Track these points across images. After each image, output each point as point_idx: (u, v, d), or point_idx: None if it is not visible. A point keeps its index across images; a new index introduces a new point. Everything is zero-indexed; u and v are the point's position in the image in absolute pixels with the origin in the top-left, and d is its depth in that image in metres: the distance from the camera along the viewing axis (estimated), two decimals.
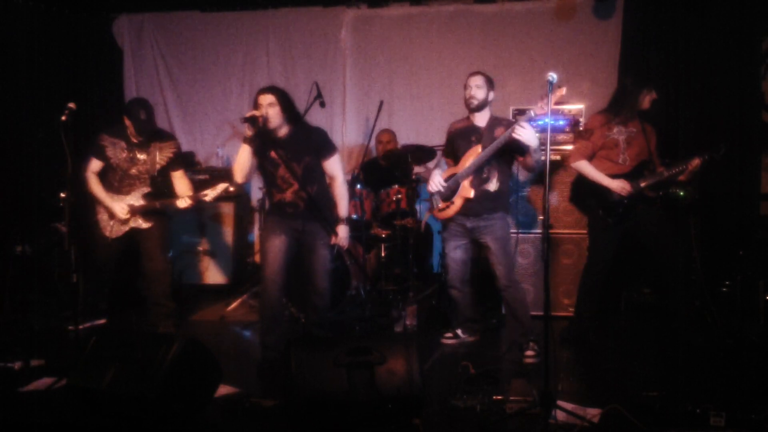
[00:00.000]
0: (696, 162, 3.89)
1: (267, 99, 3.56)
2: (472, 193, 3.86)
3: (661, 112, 4.90)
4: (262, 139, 3.58)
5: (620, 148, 4.00)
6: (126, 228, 4.30)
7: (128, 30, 6.32)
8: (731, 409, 2.78)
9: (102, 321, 4.67)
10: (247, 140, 3.54)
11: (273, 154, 3.62)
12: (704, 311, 4.38)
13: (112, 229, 4.31)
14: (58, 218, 4.79)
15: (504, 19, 5.84)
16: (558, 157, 4.72)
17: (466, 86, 3.92)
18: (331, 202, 3.81)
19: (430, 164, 5.28)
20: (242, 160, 3.59)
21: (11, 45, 5.45)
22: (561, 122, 4.78)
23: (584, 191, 4.17)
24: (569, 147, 4.69)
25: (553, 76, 2.97)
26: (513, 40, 5.82)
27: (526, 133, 3.57)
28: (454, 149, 4.05)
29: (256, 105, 3.58)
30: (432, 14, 5.96)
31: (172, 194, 4.32)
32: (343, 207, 3.79)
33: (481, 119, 3.94)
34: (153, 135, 4.30)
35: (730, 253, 4.72)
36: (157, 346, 2.83)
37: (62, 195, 3.63)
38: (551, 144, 3.10)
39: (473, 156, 3.86)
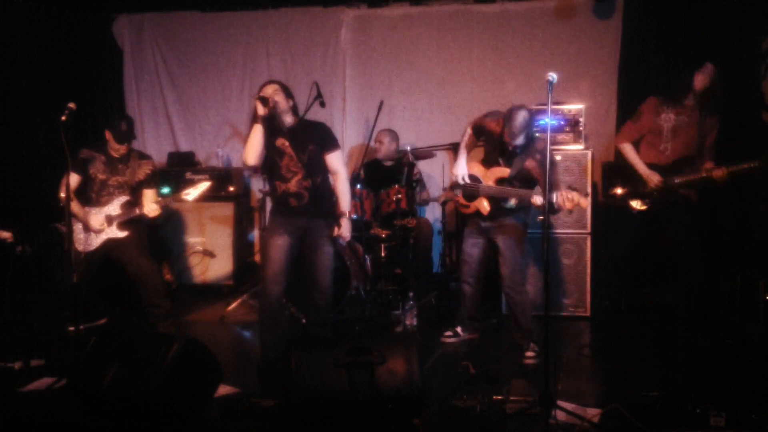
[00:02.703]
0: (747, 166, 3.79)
1: (272, 87, 3.66)
2: (487, 211, 3.93)
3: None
4: (269, 125, 3.62)
5: (663, 136, 3.96)
6: (101, 240, 4.27)
7: (128, 30, 6.32)
8: (731, 409, 2.78)
9: (102, 321, 4.68)
10: (259, 119, 3.58)
11: (278, 142, 3.66)
12: (704, 311, 4.37)
13: (85, 243, 4.28)
14: (58, 218, 4.79)
15: (504, 19, 5.84)
16: (559, 157, 4.72)
17: (507, 130, 3.74)
18: (333, 197, 3.82)
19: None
20: (255, 140, 3.61)
21: (11, 45, 5.45)
22: (561, 122, 4.79)
23: (622, 175, 4.13)
24: (569, 147, 4.71)
25: (553, 76, 2.97)
26: (513, 40, 5.81)
27: (537, 201, 3.66)
28: (483, 149, 4.08)
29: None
30: (432, 14, 5.96)
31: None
32: (345, 201, 3.81)
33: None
34: (133, 151, 4.38)
35: (730, 253, 4.71)
36: (157, 346, 2.84)
37: (62, 195, 3.63)
38: (551, 144, 3.10)
39: (494, 178, 3.90)
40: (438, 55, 5.96)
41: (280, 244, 3.66)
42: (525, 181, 3.83)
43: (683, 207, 3.97)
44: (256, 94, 3.68)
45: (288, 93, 3.70)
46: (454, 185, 4.09)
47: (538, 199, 3.65)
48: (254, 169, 4.48)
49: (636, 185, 4.03)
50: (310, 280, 3.76)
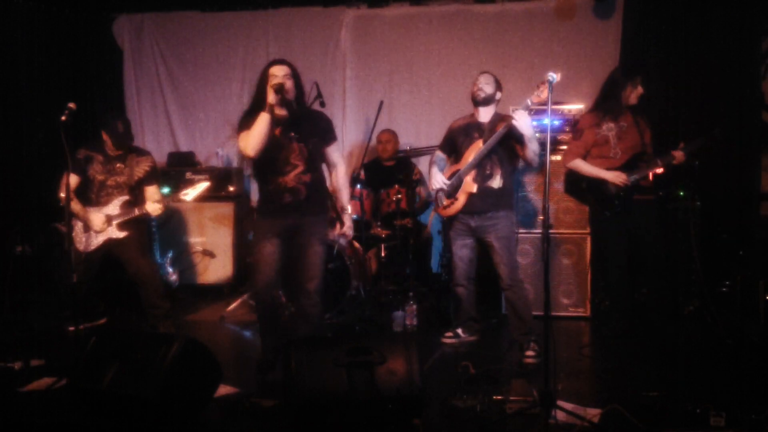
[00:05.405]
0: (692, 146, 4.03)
1: (283, 70, 3.37)
2: (475, 188, 3.88)
3: (657, 108, 4.91)
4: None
5: (611, 144, 4.08)
6: (101, 240, 4.27)
7: (128, 30, 6.32)
8: (731, 409, 2.78)
9: (102, 321, 4.68)
10: (267, 108, 3.26)
11: (278, 132, 3.37)
12: (704, 311, 4.38)
13: (86, 243, 4.28)
14: (58, 218, 4.80)
15: (504, 19, 5.84)
16: (559, 157, 4.72)
17: (474, 83, 3.95)
18: (327, 193, 3.65)
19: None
20: (261, 130, 3.26)
21: (11, 45, 5.45)
22: (561, 122, 4.79)
23: (583, 187, 4.21)
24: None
25: (553, 75, 2.97)
26: (513, 40, 5.82)
27: (520, 121, 3.62)
28: (455, 146, 4.07)
29: (266, 76, 3.38)
30: (432, 14, 5.96)
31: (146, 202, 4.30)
32: (346, 196, 3.64)
33: (484, 115, 3.96)
34: (131, 149, 4.38)
35: (730, 253, 4.72)
36: (157, 346, 2.83)
37: (62, 195, 3.63)
38: (552, 144, 3.11)
39: (475, 150, 3.87)
40: (438, 55, 5.96)
41: (269, 251, 3.41)
42: (500, 146, 3.82)
43: (649, 209, 4.14)
44: (262, 72, 3.43)
45: (297, 79, 3.41)
46: (435, 192, 4.08)
47: (515, 117, 3.61)
48: (249, 163, 4.01)
49: (601, 193, 4.11)
50: (298, 284, 3.46)
